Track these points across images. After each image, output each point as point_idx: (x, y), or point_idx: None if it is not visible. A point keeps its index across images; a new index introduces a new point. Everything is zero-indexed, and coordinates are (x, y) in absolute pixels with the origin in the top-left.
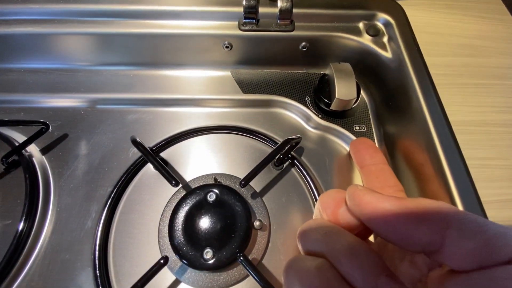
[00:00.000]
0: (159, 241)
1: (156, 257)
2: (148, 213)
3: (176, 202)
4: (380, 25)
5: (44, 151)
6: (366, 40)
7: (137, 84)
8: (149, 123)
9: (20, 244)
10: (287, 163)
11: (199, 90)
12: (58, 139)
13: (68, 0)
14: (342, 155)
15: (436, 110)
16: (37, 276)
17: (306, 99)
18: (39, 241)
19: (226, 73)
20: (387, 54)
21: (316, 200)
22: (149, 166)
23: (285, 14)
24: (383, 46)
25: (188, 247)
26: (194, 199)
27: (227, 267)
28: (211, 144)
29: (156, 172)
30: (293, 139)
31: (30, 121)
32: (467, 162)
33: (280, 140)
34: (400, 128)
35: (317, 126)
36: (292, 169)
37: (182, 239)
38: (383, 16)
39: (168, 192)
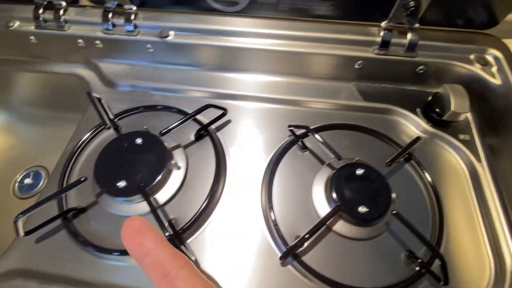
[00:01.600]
0: (313, 203)
1: (310, 209)
2: (299, 181)
3: (335, 175)
4: (489, 57)
5: (217, 129)
6: (476, 68)
7: (277, 88)
8: (289, 117)
9: (214, 192)
10: (398, 159)
11: (328, 95)
12: (224, 122)
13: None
14: (445, 158)
15: None
16: (222, 215)
17: (417, 110)
18: (226, 183)
19: (349, 85)
20: (496, 81)
21: (432, 191)
22: (294, 148)
23: (412, 45)
24: (491, 74)
25: (348, 202)
26: (347, 172)
27: (370, 224)
28: (348, 137)
29: (302, 153)
30: (419, 137)
31: (218, 107)
32: None
33: (397, 141)
34: (504, 141)
35: (426, 133)
36: (406, 165)
37: (344, 196)
38: (492, 51)
39: (312, 167)
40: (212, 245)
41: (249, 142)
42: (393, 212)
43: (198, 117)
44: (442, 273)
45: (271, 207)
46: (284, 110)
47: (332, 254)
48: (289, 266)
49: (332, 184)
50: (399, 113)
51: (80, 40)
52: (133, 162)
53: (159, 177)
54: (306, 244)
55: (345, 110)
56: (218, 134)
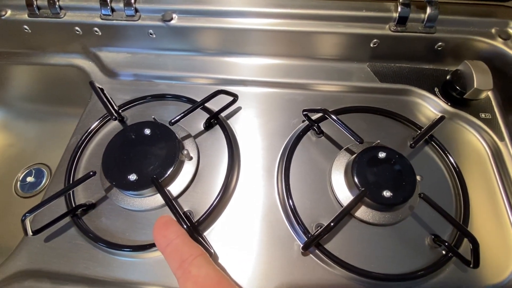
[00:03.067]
0: (332, 190)
1: (329, 196)
2: (316, 167)
3: (357, 158)
4: (511, 31)
5: (226, 117)
6: (498, 42)
7: (290, 72)
8: (302, 102)
9: (229, 183)
10: (423, 140)
11: (340, 77)
12: (234, 110)
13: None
14: (467, 138)
15: None
16: (238, 205)
17: (435, 90)
18: (240, 172)
19: (363, 65)
20: None
21: (455, 172)
22: (309, 136)
23: (432, 19)
24: None
25: (373, 187)
26: (369, 156)
27: (393, 209)
28: (364, 120)
29: (318, 138)
30: (443, 117)
31: (229, 92)
32: None
33: (416, 122)
34: None
35: (445, 113)
36: (426, 147)
37: (367, 180)
38: None
39: (328, 153)
40: (229, 236)
41: (261, 129)
42: (421, 195)
43: (207, 105)
44: (473, 256)
45: (289, 196)
46: (296, 94)
47: (355, 241)
48: (311, 255)
49: (354, 169)
50: (417, 94)
51: (77, 28)
52: (142, 153)
53: (172, 168)
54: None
55: (360, 93)
56: (229, 122)
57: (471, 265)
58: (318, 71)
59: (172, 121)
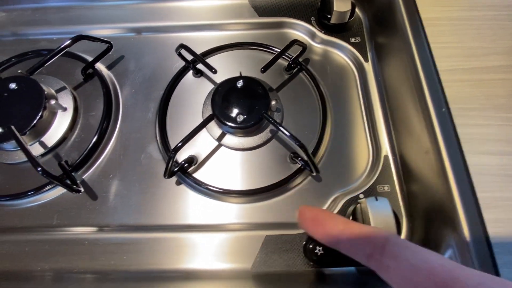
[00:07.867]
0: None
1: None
2: (192, 104)
3: (215, 89)
4: None
5: (109, 68)
6: None
7: (173, 15)
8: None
9: (105, 127)
10: (296, 69)
11: (223, 16)
12: (117, 59)
13: None
14: (339, 62)
15: (412, 10)
16: (119, 147)
17: (312, 20)
18: (116, 126)
19: (244, 1)
20: None
21: (318, 95)
22: (189, 75)
23: None
24: None
25: (225, 114)
26: (229, 85)
27: (255, 131)
28: (234, 58)
29: (194, 78)
30: (299, 41)
31: (99, 39)
32: (432, 45)
33: (292, 55)
34: (387, 38)
35: (321, 41)
36: (300, 74)
37: (219, 106)
38: None
39: (205, 90)
40: (109, 179)
41: (143, 77)
42: (262, 113)
43: (84, 55)
44: (310, 163)
45: (163, 137)
46: (178, 38)
47: (225, 167)
48: (183, 185)
49: (211, 99)
50: (294, 25)
51: None
52: (8, 107)
53: (37, 118)
54: (178, 155)
55: (240, 30)
56: (111, 72)
57: (313, 173)
58: (200, 11)
59: (30, 70)
